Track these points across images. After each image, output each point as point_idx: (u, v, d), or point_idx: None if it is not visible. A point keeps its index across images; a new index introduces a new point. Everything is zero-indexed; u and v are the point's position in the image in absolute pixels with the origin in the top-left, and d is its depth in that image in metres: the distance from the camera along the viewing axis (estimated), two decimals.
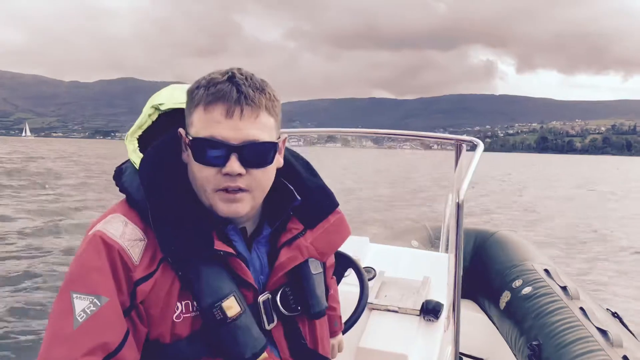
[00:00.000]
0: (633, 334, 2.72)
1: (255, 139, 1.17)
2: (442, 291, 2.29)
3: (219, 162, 1.16)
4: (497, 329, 3.30)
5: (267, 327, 1.26)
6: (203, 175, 1.18)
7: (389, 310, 2.22)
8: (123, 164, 1.33)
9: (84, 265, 1.12)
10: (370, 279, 2.33)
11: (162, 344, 1.16)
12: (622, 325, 2.75)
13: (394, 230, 4.41)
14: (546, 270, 3.25)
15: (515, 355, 2.96)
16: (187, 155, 1.22)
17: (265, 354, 1.21)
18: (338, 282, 2.00)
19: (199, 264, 1.16)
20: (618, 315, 2.88)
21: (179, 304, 1.16)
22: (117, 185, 1.28)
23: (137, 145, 1.30)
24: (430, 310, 2.17)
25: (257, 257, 1.29)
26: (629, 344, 2.43)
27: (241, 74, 1.19)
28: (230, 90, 1.15)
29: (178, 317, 1.16)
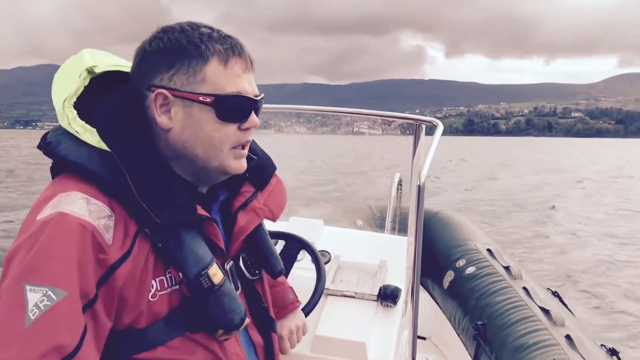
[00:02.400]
0: (572, 312, 2.80)
1: (259, 93, 1.18)
2: (398, 275, 2.24)
3: (243, 118, 1.15)
4: (441, 308, 3.31)
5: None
6: (223, 133, 1.13)
7: (345, 296, 2.15)
8: (46, 135, 1.15)
9: (43, 253, 0.95)
10: (325, 263, 2.25)
11: (136, 330, 1.06)
12: (562, 304, 2.82)
13: (337, 211, 4.36)
14: (489, 250, 3.27)
15: (458, 335, 2.99)
16: (172, 118, 1.10)
17: (248, 319, 1.19)
18: (290, 265, 1.95)
19: (180, 232, 1.09)
20: (558, 294, 2.95)
21: (153, 282, 1.07)
22: (52, 158, 1.10)
23: (75, 112, 1.12)
24: (388, 296, 2.11)
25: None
26: (570, 322, 2.48)
27: (222, 32, 1.17)
28: (240, 44, 1.14)
29: (154, 295, 1.07)
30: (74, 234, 0.98)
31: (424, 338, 3.44)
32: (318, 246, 2.35)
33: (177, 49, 1.10)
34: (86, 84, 1.15)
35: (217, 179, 1.21)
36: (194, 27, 1.12)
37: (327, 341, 1.97)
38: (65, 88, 1.14)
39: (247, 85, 1.14)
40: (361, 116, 2.70)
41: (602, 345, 2.41)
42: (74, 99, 1.14)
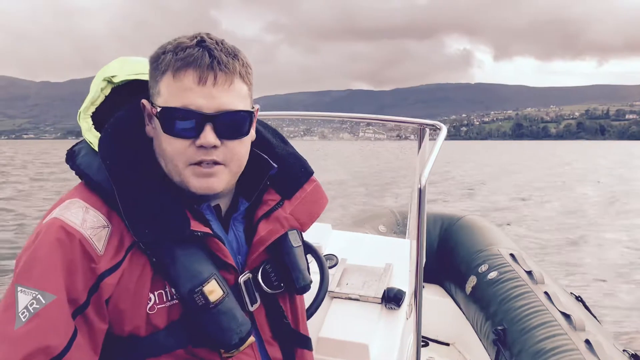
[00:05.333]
0: (595, 317, 2.73)
1: (230, 107, 1.09)
2: (404, 278, 2.24)
3: (192, 134, 1.07)
4: (464, 313, 3.29)
5: (250, 309, 1.18)
6: (174, 148, 1.08)
7: (350, 299, 2.17)
8: (75, 145, 1.20)
9: (33, 257, 1.00)
10: (331, 267, 2.28)
11: (138, 337, 1.07)
12: (585, 309, 2.76)
13: (359, 217, 4.37)
14: (512, 255, 3.23)
15: (480, 340, 2.95)
16: (153, 128, 1.12)
17: (252, 338, 1.14)
18: None
19: (174, 247, 1.07)
20: (581, 299, 2.89)
21: (151, 295, 1.07)
22: (72, 168, 1.15)
23: (91, 123, 1.18)
24: (391, 298, 2.13)
25: (235, 236, 1.21)
26: (591, 327, 2.43)
27: (211, 38, 1.10)
28: (202, 55, 1.06)
29: (151, 308, 1.07)
30: (61, 240, 1.00)
31: (447, 344, 3.41)
32: (326, 250, 2.38)
33: (151, 62, 1.12)
34: (107, 94, 1.19)
35: (197, 196, 1.14)
36: (179, 38, 1.11)
37: (330, 343, 2.00)
38: (89, 97, 1.20)
39: (200, 99, 1.06)
40: (368, 121, 2.71)
41: (624, 350, 2.35)
42: (92, 109, 1.19)
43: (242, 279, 1.17)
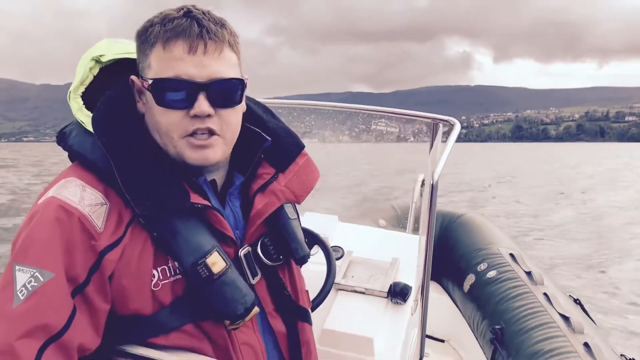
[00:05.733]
0: (593, 321, 2.73)
1: (222, 75, 1.09)
2: (410, 273, 2.24)
3: (185, 104, 1.08)
4: (460, 311, 3.28)
5: (252, 281, 1.19)
6: (168, 120, 1.09)
7: (355, 292, 2.17)
8: (65, 127, 1.20)
9: (31, 236, 1.00)
10: (338, 259, 2.27)
11: (143, 316, 1.07)
12: (583, 312, 2.75)
13: (360, 210, 4.36)
14: (512, 255, 3.22)
15: (477, 338, 2.95)
16: (144, 104, 1.12)
17: (256, 308, 1.14)
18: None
19: (175, 221, 1.07)
20: (580, 301, 2.88)
21: (154, 272, 1.07)
22: (64, 149, 1.15)
23: (82, 103, 1.17)
24: (397, 293, 2.12)
25: (232, 210, 1.21)
26: (590, 330, 2.42)
27: (197, 9, 1.10)
28: (191, 24, 1.06)
29: (156, 285, 1.07)
30: (60, 218, 1.00)
31: (442, 340, 3.42)
32: (332, 242, 2.38)
33: (139, 36, 1.12)
34: (95, 74, 1.19)
35: (194, 169, 1.16)
36: (165, 11, 1.11)
37: (335, 335, 1.99)
38: (78, 78, 1.19)
39: (192, 68, 1.06)
40: (379, 114, 2.68)
41: (622, 355, 2.35)
42: (81, 89, 1.18)
43: (242, 252, 1.18)
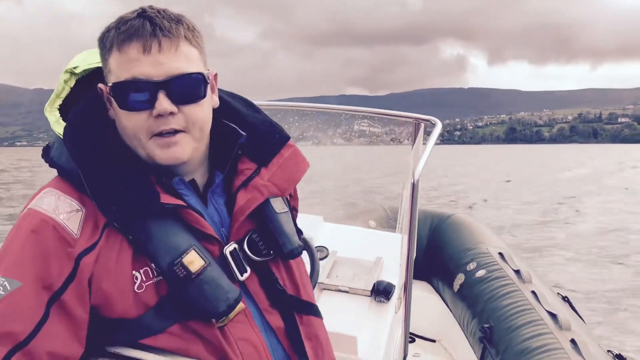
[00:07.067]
0: (581, 317, 2.75)
1: (180, 72, 1.08)
2: (394, 272, 2.25)
3: (147, 105, 1.07)
4: (451, 311, 3.30)
5: (241, 278, 1.16)
6: (133, 122, 1.08)
7: (339, 291, 2.18)
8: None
9: (6, 247, 1.03)
10: (322, 259, 2.28)
11: (129, 319, 1.06)
12: (571, 309, 2.77)
13: (350, 210, 4.38)
14: (500, 254, 3.25)
15: (467, 337, 2.96)
16: (113, 110, 1.11)
17: (242, 304, 1.12)
18: None
19: (148, 223, 1.07)
20: (568, 299, 2.90)
21: (136, 274, 1.07)
22: (46, 162, 1.16)
23: (59, 115, 1.18)
24: (381, 291, 2.13)
25: (215, 209, 1.20)
26: (577, 327, 2.44)
27: (152, 8, 1.09)
28: (143, 24, 1.06)
29: (139, 287, 1.07)
30: (35, 229, 1.02)
31: (433, 340, 3.42)
32: (317, 242, 2.38)
33: (99, 43, 1.13)
34: (72, 86, 1.20)
35: (169, 170, 1.15)
36: (122, 15, 1.11)
37: None
38: (55, 91, 1.20)
39: (148, 67, 1.06)
40: (362, 114, 2.69)
41: (608, 351, 2.36)
42: (58, 102, 1.19)
43: (227, 249, 1.16)
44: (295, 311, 1.26)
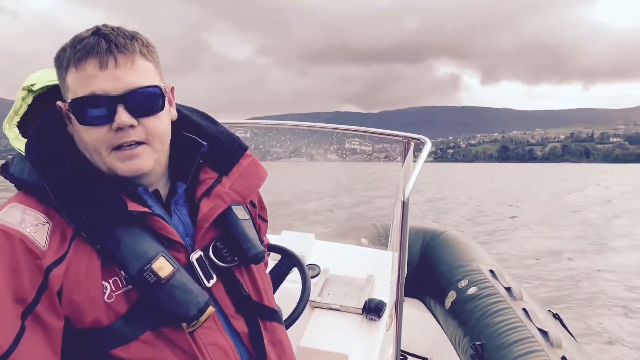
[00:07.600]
0: (572, 335, 2.75)
1: (138, 85, 1.11)
2: (386, 289, 2.26)
3: (106, 120, 1.10)
4: (442, 328, 3.28)
5: (207, 285, 1.19)
6: (93, 137, 1.11)
7: (331, 309, 2.18)
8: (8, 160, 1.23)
9: None
10: (314, 277, 2.29)
11: (101, 329, 1.07)
12: (562, 327, 2.77)
13: (342, 229, 4.39)
14: (491, 271, 3.24)
15: (459, 355, 2.94)
16: (72, 125, 1.14)
17: (211, 308, 1.15)
18: (281, 280, 1.97)
19: (117, 231, 1.09)
20: (559, 316, 2.90)
21: (105, 284, 1.08)
22: (6, 178, 1.17)
23: (18, 132, 1.20)
24: (372, 309, 2.14)
25: (179, 219, 1.23)
26: (568, 344, 2.44)
27: (106, 27, 1.13)
28: (99, 41, 1.09)
29: (109, 297, 1.08)
30: (1, 243, 1.02)
31: (425, 358, 3.43)
32: (308, 260, 2.39)
33: (55, 62, 1.15)
34: (29, 103, 1.22)
35: (131, 181, 1.18)
36: (76, 34, 1.14)
37: (310, 352, 1.99)
38: (13, 108, 1.23)
39: (106, 82, 1.09)
40: (354, 133, 2.72)
41: None
42: (16, 119, 1.22)
43: (193, 256, 1.19)
44: (259, 317, 1.29)
